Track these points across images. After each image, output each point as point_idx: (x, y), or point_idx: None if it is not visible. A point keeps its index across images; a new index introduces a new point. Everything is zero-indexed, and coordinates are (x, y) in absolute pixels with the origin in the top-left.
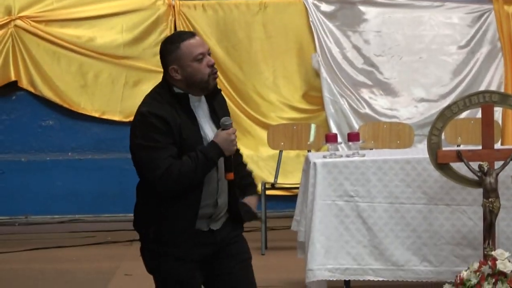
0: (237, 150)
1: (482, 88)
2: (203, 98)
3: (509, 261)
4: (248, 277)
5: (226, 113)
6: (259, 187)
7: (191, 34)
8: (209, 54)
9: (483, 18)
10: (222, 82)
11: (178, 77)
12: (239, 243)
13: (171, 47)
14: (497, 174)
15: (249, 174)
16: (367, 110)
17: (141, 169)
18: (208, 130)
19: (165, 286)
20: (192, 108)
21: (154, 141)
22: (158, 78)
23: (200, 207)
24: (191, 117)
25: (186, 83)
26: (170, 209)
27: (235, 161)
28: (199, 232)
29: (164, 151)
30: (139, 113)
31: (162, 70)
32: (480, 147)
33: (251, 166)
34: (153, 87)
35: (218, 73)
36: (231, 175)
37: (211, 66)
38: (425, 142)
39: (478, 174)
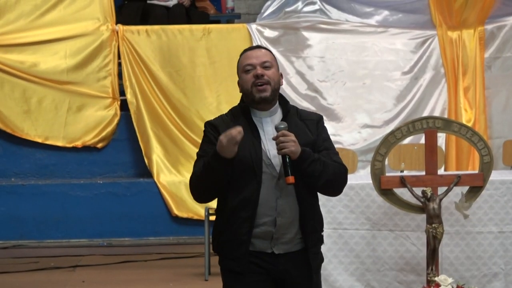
0: (326, 152)
1: (425, 113)
2: (277, 115)
3: (452, 287)
4: None
5: (302, 135)
6: (202, 213)
7: (255, 47)
8: (265, 67)
9: (426, 44)
10: (165, 108)
11: (240, 90)
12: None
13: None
14: (441, 200)
15: (328, 157)
16: None
17: None
18: (273, 147)
19: None
20: (254, 122)
21: (201, 150)
22: (102, 104)
23: (255, 224)
24: (253, 130)
25: (244, 96)
26: (227, 222)
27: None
28: (261, 254)
29: (202, 158)
30: None
31: (105, 95)
32: (423, 173)
33: None
34: (96, 112)
35: (161, 98)
36: (289, 179)
37: (256, 76)
38: (369, 168)
39: (422, 200)
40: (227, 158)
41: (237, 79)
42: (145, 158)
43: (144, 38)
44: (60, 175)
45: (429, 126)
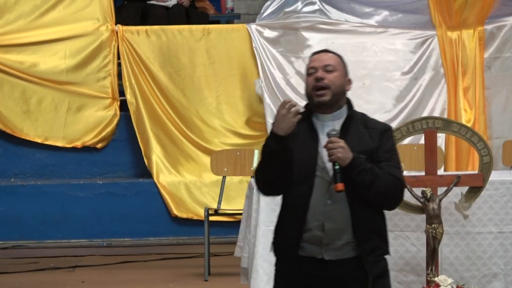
0: (385, 163)
1: (425, 114)
2: (340, 121)
3: (452, 287)
4: None
5: (361, 143)
6: (202, 213)
7: (323, 50)
8: (328, 71)
9: (426, 44)
10: (165, 108)
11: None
12: None
13: None
14: (440, 200)
15: (385, 169)
16: None
17: None
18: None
19: None
20: (313, 123)
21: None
22: (102, 104)
23: (305, 228)
24: (311, 132)
25: (308, 99)
26: (279, 224)
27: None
28: (312, 259)
29: None
30: None
31: (104, 95)
32: (423, 173)
33: (194, 192)
34: (96, 112)
35: (161, 98)
36: (337, 186)
37: (317, 79)
38: None
39: (421, 200)
40: (281, 136)
41: (237, 79)
42: (144, 158)
43: (144, 38)
44: (60, 175)
45: (428, 126)
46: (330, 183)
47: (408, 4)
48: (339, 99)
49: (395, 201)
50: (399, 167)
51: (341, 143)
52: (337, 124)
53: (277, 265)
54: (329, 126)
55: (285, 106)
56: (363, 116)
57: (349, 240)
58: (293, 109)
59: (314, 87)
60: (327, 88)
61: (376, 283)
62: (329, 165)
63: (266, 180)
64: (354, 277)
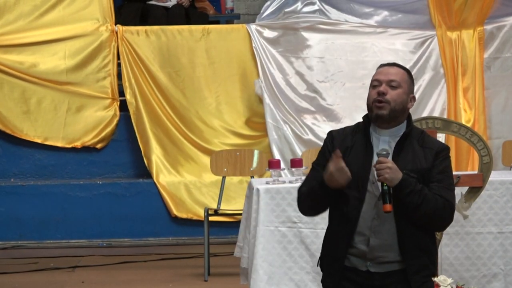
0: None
1: (425, 114)
2: (396, 138)
3: (452, 287)
4: None
5: (414, 161)
6: (202, 213)
7: (391, 64)
8: (393, 87)
9: (426, 44)
10: (164, 108)
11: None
12: None
13: None
14: None
15: (435, 190)
16: (310, 136)
17: None
18: None
19: None
20: (369, 137)
21: (316, 161)
22: (101, 104)
23: (353, 243)
24: (367, 146)
25: (368, 111)
26: (327, 236)
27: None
28: (355, 270)
29: (313, 171)
30: None
31: (104, 95)
32: None
33: (193, 192)
34: (96, 112)
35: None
36: (385, 207)
37: (379, 94)
38: None
39: None
40: (333, 188)
41: (236, 79)
42: (144, 158)
43: (144, 38)
44: (60, 175)
45: (428, 126)
46: (379, 198)
47: (408, 4)
48: (398, 116)
49: (443, 223)
50: (451, 189)
51: (389, 163)
52: (393, 141)
53: (324, 280)
54: (385, 141)
55: (335, 158)
56: (421, 134)
57: (396, 258)
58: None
59: (375, 100)
60: (387, 103)
61: None
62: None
63: (311, 209)
64: (399, 286)
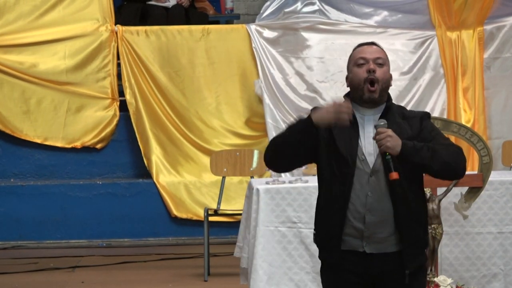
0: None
1: None
2: (379, 114)
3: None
4: None
5: (402, 132)
6: (202, 213)
7: (370, 42)
8: (379, 64)
9: (425, 44)
10: (164, 108)
11: (347, 84)
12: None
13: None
14: (440, 201)
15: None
16: None
17: None
18: (369, 144)
19: None
20: (356, 117)
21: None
22: (101, 104)
23: (346, 221)
24: (354, 125)
25: (352, 91)
26: (320, 215)
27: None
28: (354, 253)
29: None
30: None
31: (104, 96)
32: None
33: (193, 192)
34: (95, 113)
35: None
36: (392, 175)
37: (369, 71)
38: None
39: None
40: (315, 124)
41: (236, 79)
42: (144, 158)
43: (143, 38)
44: (59, 175)
45: None
46: (371, 175)
47: (408, 4)
48: (384, 95)
49: (462, 165)
50: (448, 139)
51: (389, 132)
52: (375, 118)
53: (322, 255)
54: (370, 119)
55: (345, 107)
56: (400, 108)
57: (391, 232)
58: (346, 115)
59: (366, 79)
60: (376, 83)
61: (413, 278)
62: (370, 158)
63: (280, 150)
64: (395, 272)
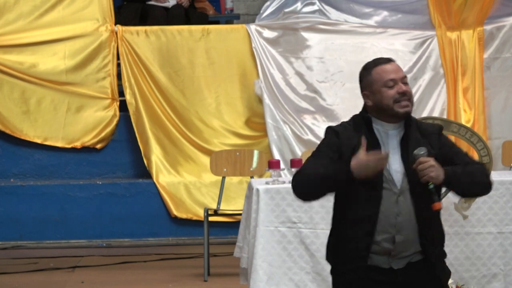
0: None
1: (424, 114)
2: (400, 129)
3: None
4: None
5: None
6: (202, 213)
7: (387, 60)
8: (404, 83)
9: (425, 45)
10: (164, 108)
11: (370, 103)
12: None
13: (364, 73)
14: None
15: (464, 161)
16: (310, 136)
17: None
18: (395, 161)
19: None
20: (375, 134)
21: (318, 151)
22: (101, 104)
23: (374, 241)
24: (373, 143)
25: (376, 109)
26: (345, 236)
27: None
28: (377, 269)
29: (317, 159)
30: None
31: (104, 96)
32: None
33: (193, 192)
34: (95, 113)
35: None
36: (435, 205)
37: (401, 93)
38: None
39: None
40: (355, 177)
41: (236, 79)
42: (144, 158)
43: (143, 39)
44: (59, 175)
45: None
46: (399, 195)
47: (408, 4)
48: None
49: (490, 181)
50: (466, 153)
51: (431, 161)
52: (398, 134)
53: (341, 274)
54: (393, 135)
55: (385, 159)
56: (415, 121)
57: (416, 250)
58: (384, 163)
59: (397, 100)
60: (409, 101)
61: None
62: (396, 177)
63: (315, 195)
64: (422, 279)
